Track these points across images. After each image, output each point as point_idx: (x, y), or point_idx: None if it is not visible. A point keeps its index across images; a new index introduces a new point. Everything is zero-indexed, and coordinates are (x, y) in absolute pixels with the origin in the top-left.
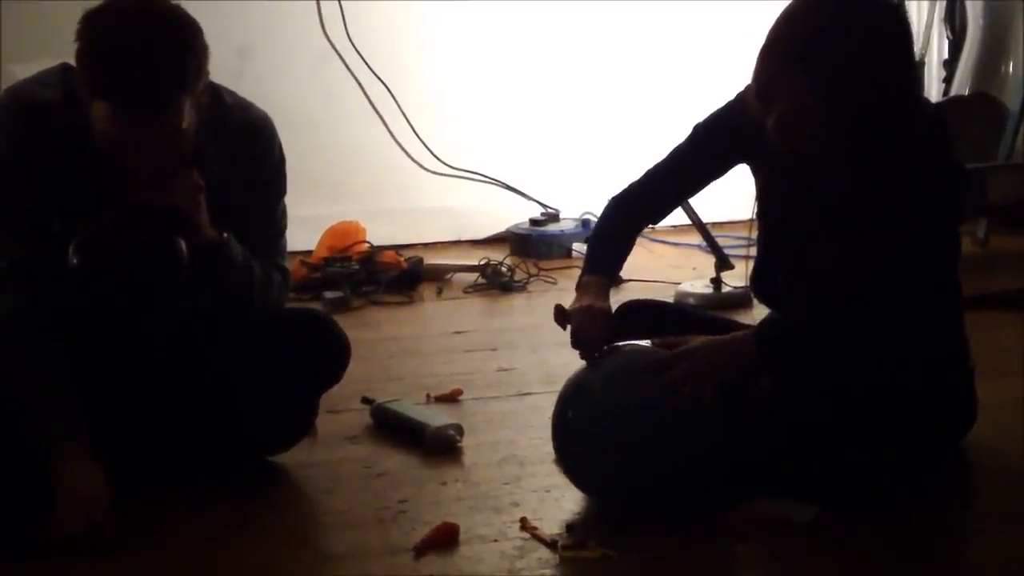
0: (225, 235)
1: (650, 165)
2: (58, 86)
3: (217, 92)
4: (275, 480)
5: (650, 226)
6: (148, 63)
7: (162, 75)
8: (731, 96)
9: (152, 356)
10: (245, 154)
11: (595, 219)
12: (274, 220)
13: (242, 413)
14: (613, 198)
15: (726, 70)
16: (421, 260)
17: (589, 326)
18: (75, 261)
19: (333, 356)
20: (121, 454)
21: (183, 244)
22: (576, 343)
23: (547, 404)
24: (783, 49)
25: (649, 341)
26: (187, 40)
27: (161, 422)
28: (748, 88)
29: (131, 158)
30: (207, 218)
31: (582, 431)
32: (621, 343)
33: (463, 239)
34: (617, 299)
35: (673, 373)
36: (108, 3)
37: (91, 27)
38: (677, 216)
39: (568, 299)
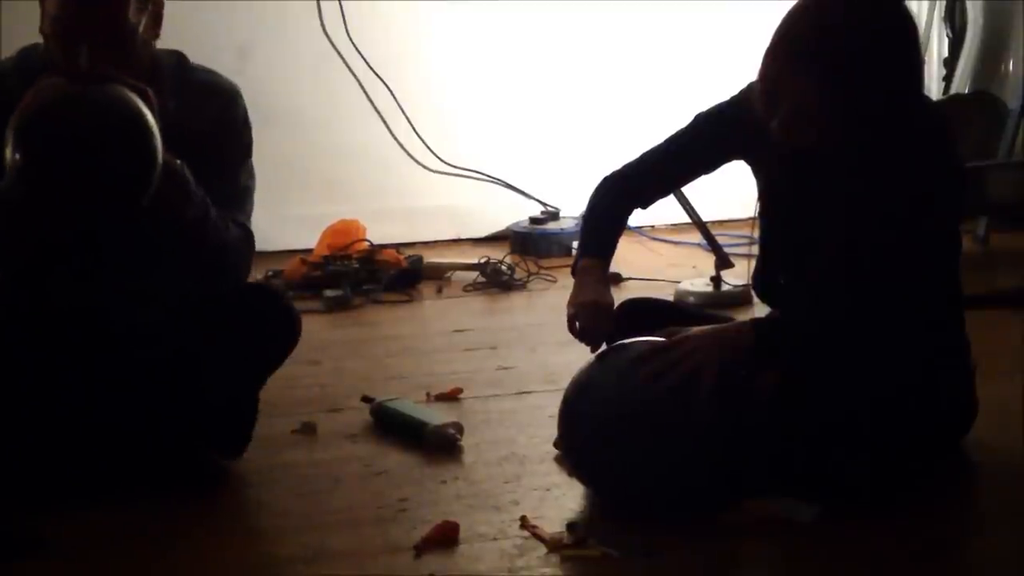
0: (179, 161)
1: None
2: (13, 59)
3: (182, 57)
4: (275, 479)
5: (639, 208)
6: None
7: None
8: (731, 95)
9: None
10: (205, 112)
11: None
12: (237, 180)
13: (189, 396)
14: (606, 178)
15: (726, 69)
16: (421, 258)
17: (595, 321)
18: (16, 140)
19: (281, 328)
20: (99, 453)
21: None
22: (583, 338)
23: (547, 403)
24: (790, 48)
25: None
26: None
27: (119, 418)
28: (753, 86)
29: (78, 52)
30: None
31: (588, 426)
32: (628, 340)
33: (463, 237)
34: (618, 298)
35: (671, 354)
36: None
37: None
38: (677, 214)
39: (568, 298)
